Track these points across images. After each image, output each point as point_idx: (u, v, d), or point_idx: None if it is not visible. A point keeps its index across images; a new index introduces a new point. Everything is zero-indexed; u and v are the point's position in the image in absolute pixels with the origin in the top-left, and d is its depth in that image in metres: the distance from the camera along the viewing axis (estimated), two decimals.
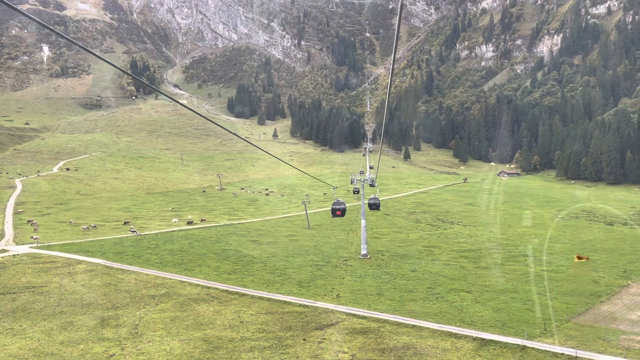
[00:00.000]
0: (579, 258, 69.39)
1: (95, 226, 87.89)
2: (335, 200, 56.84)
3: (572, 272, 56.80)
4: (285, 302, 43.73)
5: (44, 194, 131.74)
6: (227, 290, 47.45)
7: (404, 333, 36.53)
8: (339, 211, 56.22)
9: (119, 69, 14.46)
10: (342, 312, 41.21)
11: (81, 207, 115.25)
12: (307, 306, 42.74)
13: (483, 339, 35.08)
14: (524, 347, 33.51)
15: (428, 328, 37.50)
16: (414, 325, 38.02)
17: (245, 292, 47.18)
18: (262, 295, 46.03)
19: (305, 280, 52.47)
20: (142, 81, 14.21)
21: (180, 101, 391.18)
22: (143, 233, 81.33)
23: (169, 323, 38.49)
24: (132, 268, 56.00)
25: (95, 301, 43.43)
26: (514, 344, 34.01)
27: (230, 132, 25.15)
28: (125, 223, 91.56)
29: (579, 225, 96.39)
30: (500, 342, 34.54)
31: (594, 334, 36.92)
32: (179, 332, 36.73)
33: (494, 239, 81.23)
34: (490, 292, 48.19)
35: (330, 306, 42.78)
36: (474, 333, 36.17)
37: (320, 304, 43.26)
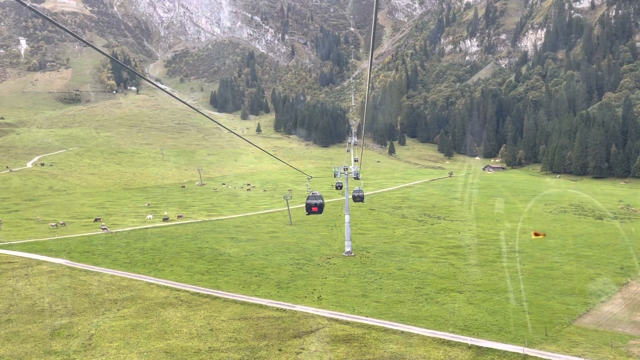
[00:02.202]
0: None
1: (64, 223, 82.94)
2: (311, 194, 44.20)
3: (568, 269, 53.80)
4: (261, 306, 39.78)
5: (14, 190, 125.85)
6: (198, 293, 43.37)
7: (392, 341, 32.88)
8: (315, 207, 43.53)
9: (111, 58, 12.76)
10: (324, 316, 37.42)
11: (52, 203, 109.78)
12: (285, 310, 38.88)
13: (479, 347, 31.58)
14: (525, 357, 30.09)
15: (418, 334, 33.90)
16: (402, 332, 34.38)
17: (218, 294, 43.14)
18: (236, 298, 42.03)
19: (284, 280, 48.60)
20: (133, 70, 12.17)
21: (162, 95, 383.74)
22: (114, 230, 76.69)
23: (129, 332, 34.34)
24: (96, 269, 51.57)
25: (49, 307, 39.05)
26: (514, 353, 30.56)
27: (218, 123, 22.18)
28: (96, 220, 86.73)
29: (568, 219, 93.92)
30: (498, 350, 31.06)
31: (600, 339, 33.69)
32: (139, 342, 32.62)
33: (483, 235, 78.21)
34: (483, 292, 44.84)
35: (311, 310, 38.96)
36: (469, 340, 32.67)
37: (299, 308, 39.40)
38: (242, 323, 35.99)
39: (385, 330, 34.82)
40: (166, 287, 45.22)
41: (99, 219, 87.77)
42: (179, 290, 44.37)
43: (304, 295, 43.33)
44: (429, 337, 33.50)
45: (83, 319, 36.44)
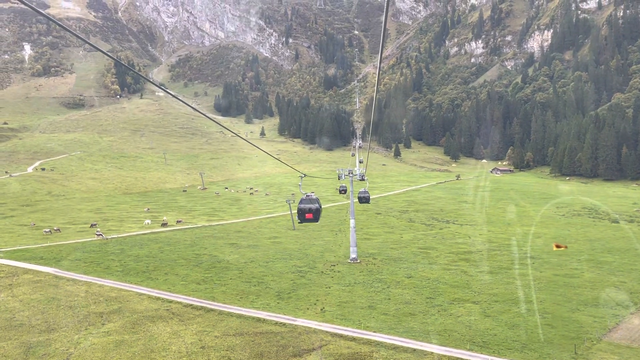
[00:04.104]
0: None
1: (58, 229, 79.95)
2: (305, 197, 32.62)
3: (589, 277, 50.21)
4: (258, 320, 36.47)
5: (11, 195, 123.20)
6: (191, 305, 40.11)
7: None
8: (309, 213, 32.34)
9: (117, 61, 12.28)
10: (327, 331, 34.06)
11: (49, 208, 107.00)
12: (284, 324, 35.54)
13: None
14: None
15: (432, 353, 30.50)
16: (414, 349, 30.98)
17: (213, 306, 39.87)
18: (232, 310, 38.74)
19: (285, 290, 45.28)
20: (139, 74, 11.16)
21: (165, 99, 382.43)
22: (110, 236, 73.62)
23: (112, 350, 31.10)
24: (85, 278, 48.44)
25: (29, 321, 35.89)
26: None
27: (223, 126, 19.14)
28: (92, 225, 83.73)
29: (583, 223, 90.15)
30: None
31: (635, 357, 30.20)
32: None
33: (494, 239, 74.59)
34: (500, 302, 41.31)
35: (313, 324, 35.61)
36: (490, 359, 29.26)
37: (300, 322, 36.05)
38: (237, 339, 32.67)
39: (395, 347, 31.43)
40: (158, 298, 42.00)
41: (95, 224, 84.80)
42: (171, 301, 41.12)
43: (305, 306, 39.97)
44: (445, 355, 30.10)
45: (63, 335, 33.23)
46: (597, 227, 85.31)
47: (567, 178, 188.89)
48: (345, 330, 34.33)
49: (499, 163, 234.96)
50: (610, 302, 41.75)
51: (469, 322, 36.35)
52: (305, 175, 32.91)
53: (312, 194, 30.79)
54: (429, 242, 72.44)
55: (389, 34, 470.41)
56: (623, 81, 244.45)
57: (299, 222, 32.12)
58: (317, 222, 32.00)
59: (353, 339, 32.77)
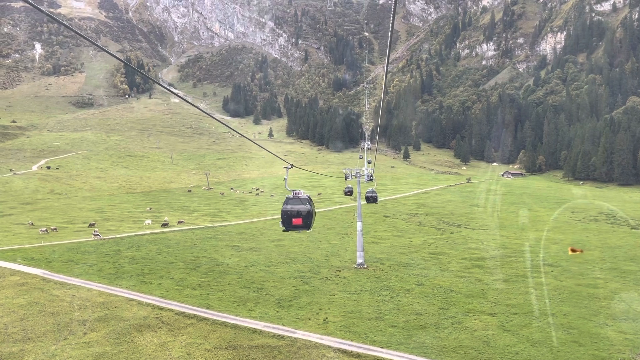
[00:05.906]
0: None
1: (55, 228, 77.39)
2: (292, 194, 21.93)
3: (614, 287, 46.59)
4: (254, 331, 33.30)
5: (13, 193, 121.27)
6: (183, 313, 37.05)
7: None
8: (297, 217, 21.52)
9: (123, 62, 12.39)
10: (329, 346, 30.82)
11: (49, 207, 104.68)
12: (283, 337, 32.35)
13: None
14: None
15: None
16: None
17: (207, 314, 36.78)
18: (227, 319, 35.62)
19: (286, 297, 42.11)
20: (145, 74, 10.93)
21: (174, 100, 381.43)
22: (108, 237, 70.89)
23: None
24: (74, 281, 45.56)
25: (5, 329, 32.99)
26: None
27: (229, 127, 16.08)
28: (90, 225, 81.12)
29: (601, 229, 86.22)
30: None
31: None
32: None
33: (509, 245, 71.00)
34: (520, 315, 37.85)
35: (314, 337, 32.38)
36: None
37: (300, 334, 32.85)
38: (230, 354, 29.52)
39: None
40: (148, 305, 38.97)
41: (94, 224, 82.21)
42: (162, 308, 38.07)
43: (307, 316, 36.76)
44: None
45: (38, 346, 30.26)
46: (616, 234, 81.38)
47: (581, 182, 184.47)
48: (350, 345, 31.08)
49: (510, 166, 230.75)
50: (639, 316, 38.20)
51: (487, 337, 32.99)
52: (292, 165, 25.85)
53: (302, 192, 22.27)
54: (439, 247, 69.02)
55: (399, 36, 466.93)
56: (638, 84, 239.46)
57: (283, 230, 21.71)
58: (308, 229, 21.48)
59: (358, 355, 29.52)
